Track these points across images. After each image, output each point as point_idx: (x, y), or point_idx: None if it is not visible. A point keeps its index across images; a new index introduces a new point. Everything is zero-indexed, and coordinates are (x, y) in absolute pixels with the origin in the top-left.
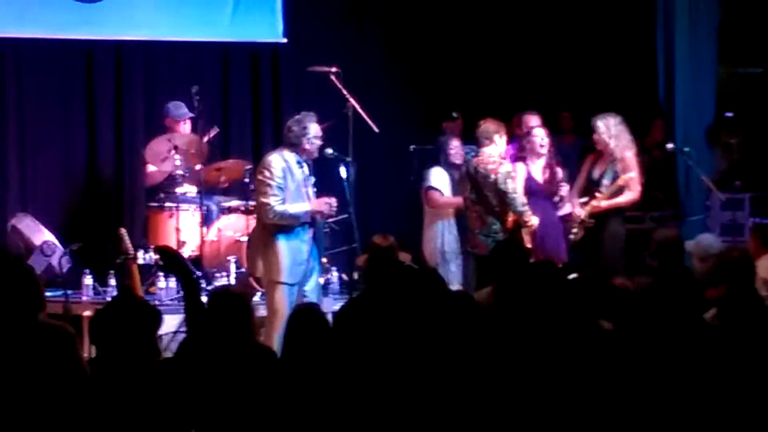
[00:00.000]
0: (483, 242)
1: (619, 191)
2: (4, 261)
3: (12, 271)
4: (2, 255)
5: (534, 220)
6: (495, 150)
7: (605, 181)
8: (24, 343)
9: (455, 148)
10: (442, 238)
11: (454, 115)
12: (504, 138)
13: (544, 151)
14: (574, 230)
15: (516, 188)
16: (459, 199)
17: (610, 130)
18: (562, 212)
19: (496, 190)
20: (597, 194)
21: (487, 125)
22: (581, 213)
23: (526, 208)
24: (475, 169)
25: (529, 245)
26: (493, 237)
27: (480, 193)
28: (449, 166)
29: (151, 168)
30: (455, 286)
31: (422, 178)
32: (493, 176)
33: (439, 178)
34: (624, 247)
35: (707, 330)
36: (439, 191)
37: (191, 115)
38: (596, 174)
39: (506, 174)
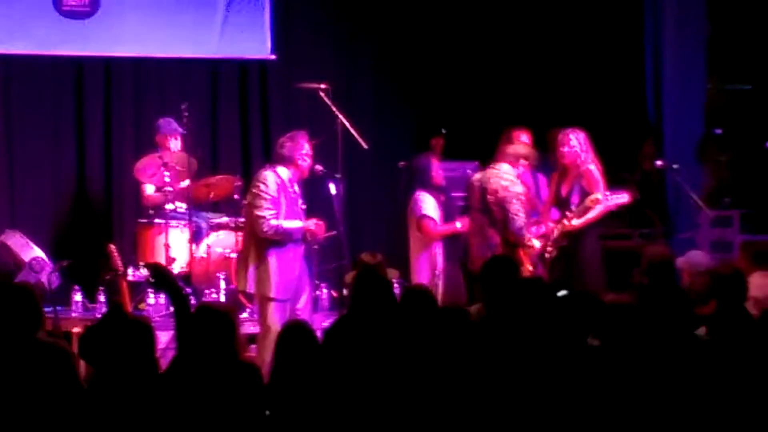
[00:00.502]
0: (481, 256)
1: (587, 209)
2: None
3: (11, 290)
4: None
5: (535, 243)
6: (513, 171)
7: (573, 199)
8: (22, 361)
9: (437, 170)
10: (437, 260)
11: (443, 131)
12: (526, 165)
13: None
14: (549, 248)
15: (520, 210)
16: (453, 226)
17: (582, 144)
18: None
19: (501, 207)
20: (567, 213)
21: (520, 149)
22: (537, 244)
23: (524, 231)
24: (488, 180)
25: (529, 266)
26: (492, 251)
27: (486, 205)
28: (434, 189)
29: (148, 190)
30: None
31: (408, 201)
32: (502, 192)
33: (430, 205)
34: (602, 262)
35: (698, 346)
36: (434, 220)
37: (181, 131)
38: (564, 191)
39: (515, 195)
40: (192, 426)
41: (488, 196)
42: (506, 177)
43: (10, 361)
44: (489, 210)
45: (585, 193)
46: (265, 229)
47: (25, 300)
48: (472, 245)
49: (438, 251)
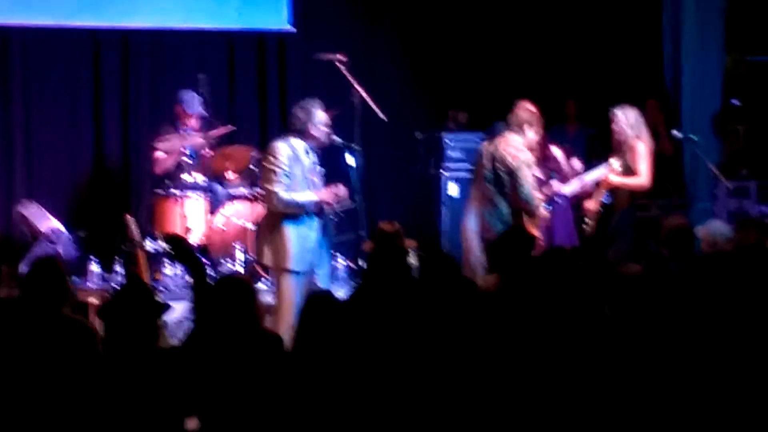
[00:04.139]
0: (490, 224)
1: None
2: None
3: (41, 264)
4: (8, 243)
5: (544, 213)
6: (520, 139)
7: (617, 167)
8: (48, 336)
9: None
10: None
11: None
12: (533, 130)
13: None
14: (588, 221)
15: (529, 177)
16: None
17: (629, 119)
18: (569, 188)
19: (509, 174)
20: (608, 173)
21: (520, 114)
22: (591, 206)
23: (534, 199)
24: (496, 149)
25: (536, 233)
26: (500, 219)
27: (495, 173)
28: None
29: (160, 155)
30: None
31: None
32: (510, 160)
33: None
34: (634, 238)
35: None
36: None
37: (203, 114)
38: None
39: (524, 161)
40: (215, 396)
41: (496, 164)
42: (513, 145)
43: (37, 336)
44: (498, 178)
45: (628, 169)
46: (275, 203)
47: (53, 273)
48: (482, 214)
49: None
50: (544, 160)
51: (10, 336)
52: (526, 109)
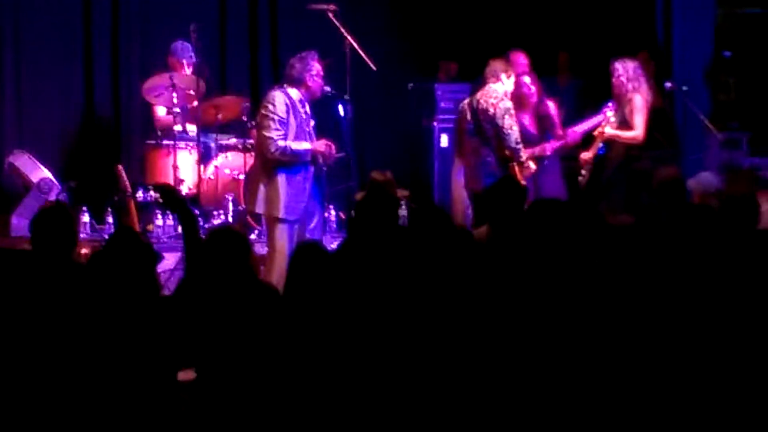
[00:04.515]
0: (477, 177)
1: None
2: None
3: (50, 210)
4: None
5: (531, 165)
6: (500, 87)
7: (612, 118)
8: (61, 281)
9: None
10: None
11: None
12: (511, 78)
13: (533, 99)
14: (583, 172)
15: (513, 125)
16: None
17: (629, 72)
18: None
19: (493, 125)
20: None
21: (496, 63)
22: (587, 156)
23: (521, 146)
24: (477, 101)
25: (522, 182)
26: (486, 171)
27: (478, 125)
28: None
29: (160, 112)
30: None
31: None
32: (491, 110)
33: None
34: (627, 189)
35: (708, 267)
36: None
37: (195, 60)
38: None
39: (505, 110)
40: (210, 347)
41: (479, 116)
42: (493, 95)
43: (50, 281)
44: (481, 129)
45: (625, 122)
46: (272, 150)
47: (63, 219)
48: (467, 166)
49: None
50: (540, 116)
51: (22, 286)
52: (499, 60)
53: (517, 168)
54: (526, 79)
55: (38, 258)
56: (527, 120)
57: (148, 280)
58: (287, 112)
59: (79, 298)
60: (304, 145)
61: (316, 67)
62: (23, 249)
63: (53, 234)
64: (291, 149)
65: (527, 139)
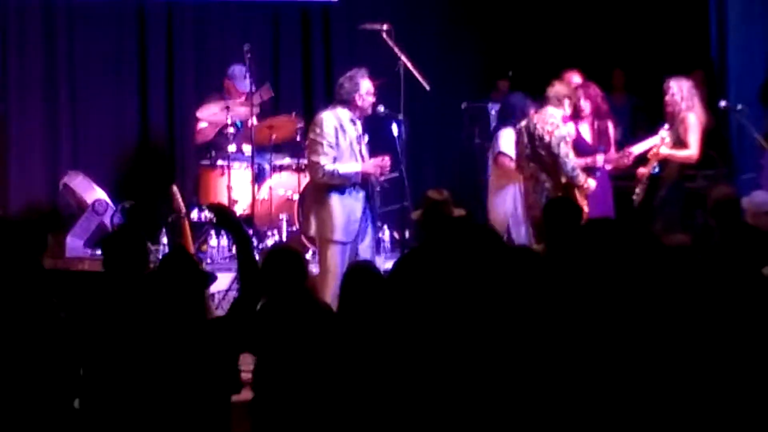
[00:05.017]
0: (536, 201)
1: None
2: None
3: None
4: (55, 213)
5: (590, 183)
6: (558, 113)
7: (667, 138)
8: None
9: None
10: (514, 202)
11: (510, 73)
12: (571, 103)
13: (586, 112)
14: (637, 191)
15: (568, 152)
16: None
17: (683, 91)
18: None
19: (549, 152)
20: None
21: (560, 88)
22: (644, 171)
23: (577, 172)
24: (534, 126)
25: (585, 207)
26: (545, 196)
27: (535, 150)
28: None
29: (201, 125)
30: None
31: (490, 139)
32: (547, 138)
33: (509, 142)
34: (682, 209)
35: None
36: (509, 156)
37: (250, 81)
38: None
39: (560, 138)
40: (268, 367)
41: (535, 143)
42: (551, 121)
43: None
44: (538, 156)
45: (680, 141)
46: (320, 175)
47: (135, 240)
48: (526, 191)
49: (515, 192)
50: (599, 131)
51: (95, 307)
52: (567, 83)
53: (577, 192)
54: (581, 93)
55: (112, 278)
56: (585, 129)
57: (197, 300)
58: (335, 134)
59: (143, 317)
60: (354, 167)
61: (366, 86)
62: (85, 270)
63: (128, 255)
64: (338, 173)
65: (581, 149)
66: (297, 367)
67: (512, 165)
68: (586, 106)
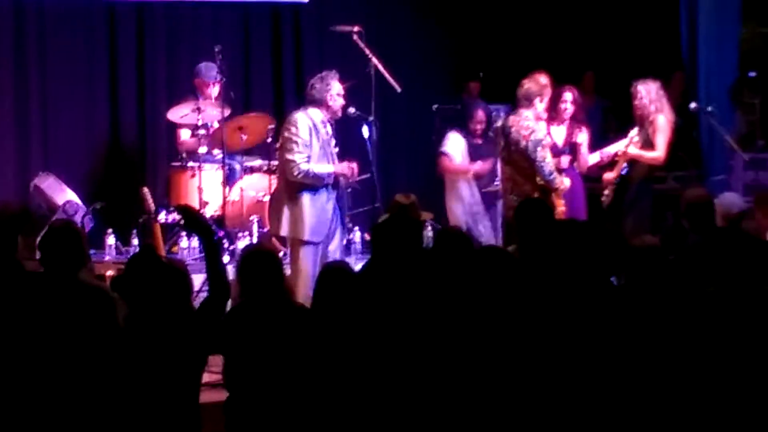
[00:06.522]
0: (513, 203)
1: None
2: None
3: (58, 229)
4: (26, 215)
5: (566, 182)
6: (531, 113)
7: (636, 138)
8: (65, 300)
9: (481, 123)
10: (470, 199)
11: (480, 74)
12: (544, 102)
13: (568, 115)
14: (606, 192)
15: (545, 156)
16: (467, 167)
17: (651, 94)
18: (592, 159)
19: (525, 157)
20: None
21: (530, 87)
22: (611, 176)
23: (555, 175)
24: (509, 130)
25: (561, 208)
26: (521, 197)
27: (511, 153)
28: (470, 134)
29: (184, 135)
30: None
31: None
32: (523, 142)
33: (454, 144)
34: (652, 210)
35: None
36: (449, 156)
37: (221, 79)
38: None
39: (537, 142)
40: (243, 366)
41: (511, 147)
42: (525, 124)
43: (54, 300)
44: (513, 160)
45: (649, 142)
46: (295, 173)
47: (71, 239)
48: (504, 192)
49: (465, 190)
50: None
51: (29, 303)
52: (536, 81)
53: (554, 194)
54: (568, 96)
55: (44, 275)
56: (557, 131)
57: (177, 300)
58: (309, 134)
59: (89, 318)
60: (327, 168)
61: (337, 87)
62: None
63: (60, 252)
64: (313, 172)
65: (552, 152)
66: (272, 366)
67: (452, 165)
68: (570, 109)
